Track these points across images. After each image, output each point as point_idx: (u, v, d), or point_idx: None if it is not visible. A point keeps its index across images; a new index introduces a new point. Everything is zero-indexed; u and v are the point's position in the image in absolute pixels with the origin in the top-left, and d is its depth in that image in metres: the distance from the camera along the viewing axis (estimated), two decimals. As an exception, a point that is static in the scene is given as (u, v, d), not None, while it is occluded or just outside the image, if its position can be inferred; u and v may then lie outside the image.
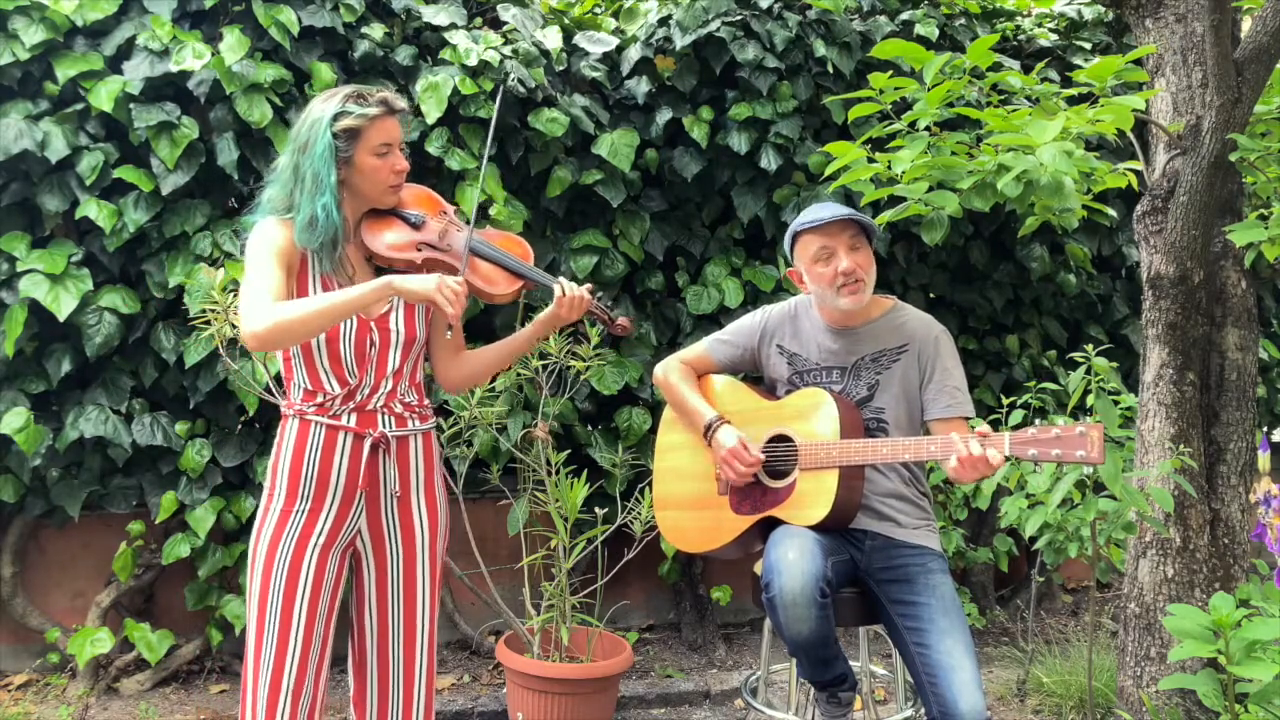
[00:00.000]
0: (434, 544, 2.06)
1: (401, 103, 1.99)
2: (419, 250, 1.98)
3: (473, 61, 3.58)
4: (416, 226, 2.01)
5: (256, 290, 1.83)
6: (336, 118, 1.90)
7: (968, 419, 2.30)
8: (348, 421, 1.94)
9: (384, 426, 1.97)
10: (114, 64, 3.34)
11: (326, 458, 1.93)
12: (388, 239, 1.98)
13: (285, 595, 1.90)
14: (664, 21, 3.98)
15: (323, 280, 1.94)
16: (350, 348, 1.93)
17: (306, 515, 1.93)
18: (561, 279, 2.04)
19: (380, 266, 2.00)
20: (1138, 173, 2.92)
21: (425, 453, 2.05)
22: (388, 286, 1.81)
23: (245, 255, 1.90)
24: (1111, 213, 3.20)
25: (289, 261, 1.91)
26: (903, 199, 2.73)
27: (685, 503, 2.43)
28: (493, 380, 3.35)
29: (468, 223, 2.03)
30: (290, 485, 1.93)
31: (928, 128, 2.68)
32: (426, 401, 2.07)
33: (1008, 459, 2.03)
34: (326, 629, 1.96)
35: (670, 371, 2.50)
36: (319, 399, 1.94)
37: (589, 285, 2.08)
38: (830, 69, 4.00)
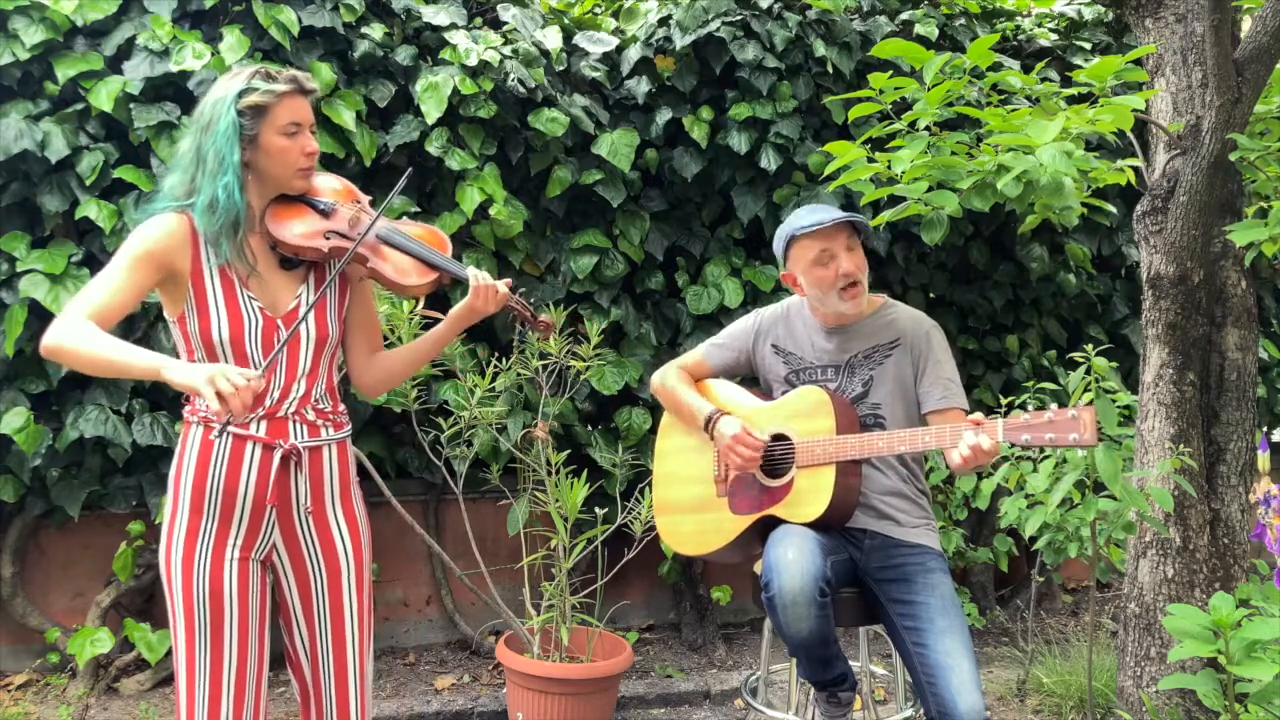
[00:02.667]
0: (359, 558, 1.94)
1: (312, 83, 1.86)
2: (327, 239, 1.85)
3: (473, 61, 3.59)
4: (326, 214, 1.88)
5: (87, 296, 1.71)
6: (242, 94, 1.78)
7: (965, 410, 2.31)
8: (256, 430, 1.80)
9: (295, 436, 1.83)
10: (114, 64, 3.35)
11: (233, 470, 1.79)
12: (293, 227, 1.85)
13: (212, 612, 1.78)
14: (664, 21, 3.98)
15: (221, 270, 1.80)
16: (257, 347, 1.81)
17: (216, 529, 1.80)
18: (475, 270, 1.94)
19: (286, 255, 1.87)
20: (1137, 171, 2.92)
21: (340, 464, 1.92)
22: (156, 371, 1.63)
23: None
24: (1111, 209, 3.20)
25: (164, 263, 1.77)
26: (903, 199, 2.73)
27: (685, 506, 2.43)
28: (492, 380, 3.35)
29: (397, 216, 1.94)
30: (194, 500, 1.80)
31: (928, 128, 2.68)
32: (342, 408, 1.94)
33: (1005, 446, 2.03)
34: (261, 639, 1.85)
35: (667, 378, 2.51)
36: None
37: (508, 280, 1.98)
38: (830, 69, 4.00)
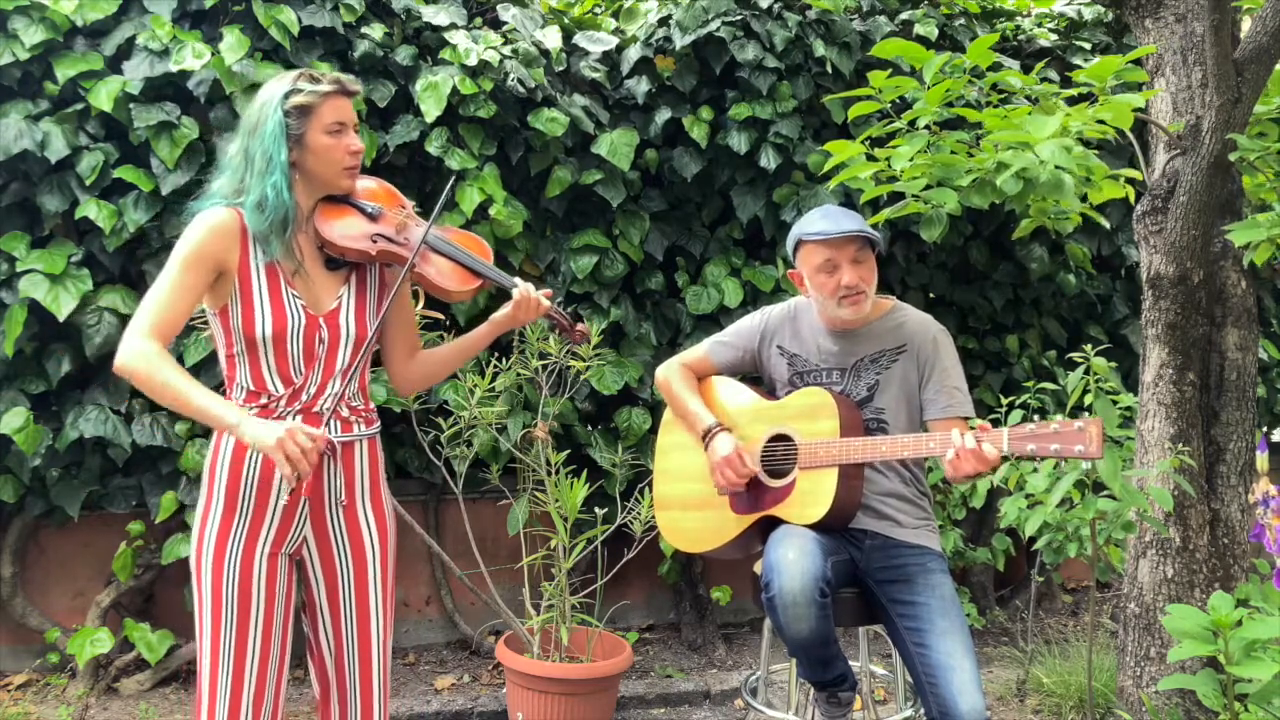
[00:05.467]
0: (385, 552, 1.98)
1: (355, 85, 1.90)
2: (374, 242, 1.90)
3: (472, 61, 3.59)
4: (373, 218, 1.93)
5: (147, 309, 1.76)
6: (288, 95, 1.83)
7: (967, 419, 2.30)
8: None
9: (330, 432, 1.86)
10: (114, 64, 3.35)
11: (268, 465, 1.82)
12: (342, 228, 1.89)
13: (240, 606, 1.82)
14: (664, 21, 3.98)
15: (268, 267, 1.84)
16: (299, 345, 1.84)
17: (249, 524, 1.84)
18: (519, 280, 1.99)
19: (332, 256, 1.91)
20: (1132, 180, 2.92)
21: (371, 459, 1.96)
22: (233, 429, 1.71)
23: (173, 251, 1.81)
24: (1105, 223, 3.19)
25: (218, 261, 1.81)
26: (902, 195, 2.73)
27: (685, 503, 2.43)
28: (492, 380, 3.35)
29: (427, 219, 1.97)
30: (229, 493, 1.83)
31: (927, 126, 2.68)
32: (372, 405, 1.99)
33: (1005, 458, 2.03)
34: (284, 637, 1.89)
35: (671, 375, 2.50)
36: (262, 400, 1.83)
37: (548, 291, 2.02)
38: (830, 69, 4.00)
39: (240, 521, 1.84)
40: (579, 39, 3.96)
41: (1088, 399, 2.74)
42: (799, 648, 2.12)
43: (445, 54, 3.63)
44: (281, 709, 1.92)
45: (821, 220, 2.27)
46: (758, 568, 2.32)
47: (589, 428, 3.86)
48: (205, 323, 3.00)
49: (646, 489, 3.25)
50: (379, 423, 2.01)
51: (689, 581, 4.10)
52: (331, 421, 1.88)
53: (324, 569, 1.93)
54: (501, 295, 2.04)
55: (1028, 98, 2.71)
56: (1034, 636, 3.91)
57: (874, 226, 2.37)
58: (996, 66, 2.79)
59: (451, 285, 1.95)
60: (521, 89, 3.65)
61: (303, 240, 1.90)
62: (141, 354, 1.73)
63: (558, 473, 3.29)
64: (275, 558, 1.87)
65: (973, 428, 2.10)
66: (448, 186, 2.00)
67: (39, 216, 3.32)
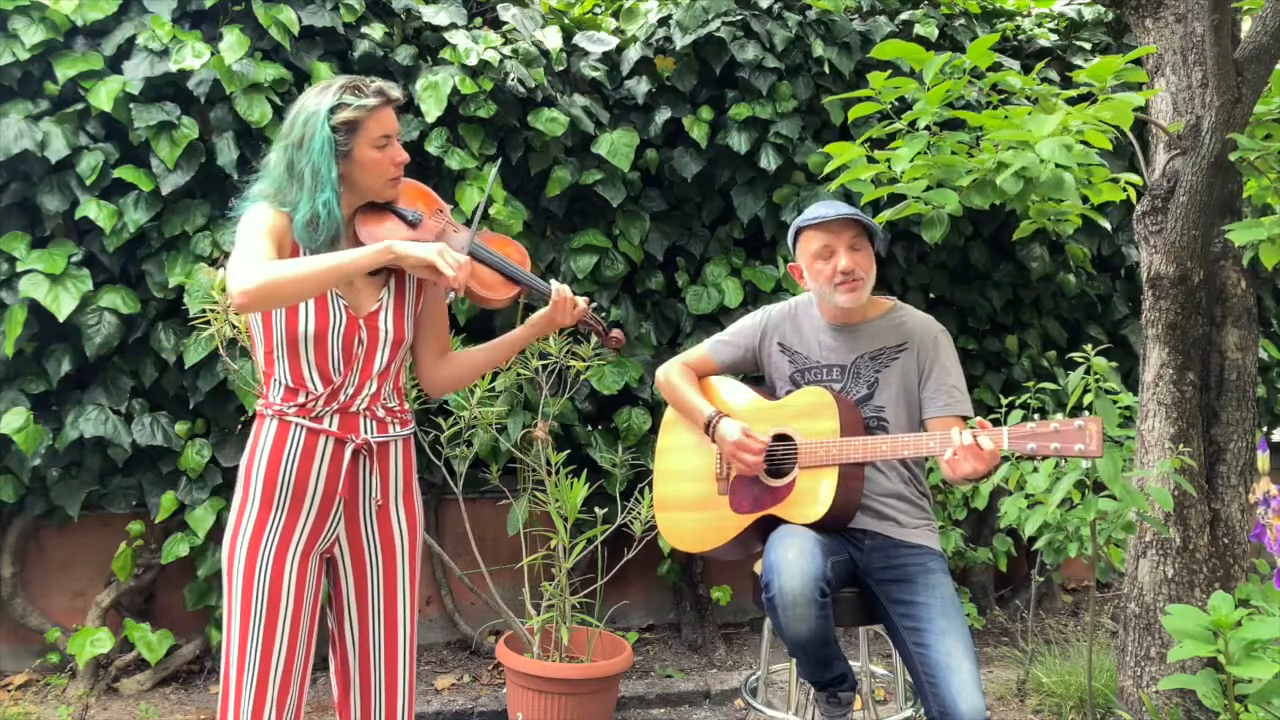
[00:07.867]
0: (413, 552, 2.00)
1: (397, 91, 1.91)
2: None
3: (472, 61, 3.59)
4: (414, 225, 1.95)
5: (249, 255, 1.74)
6: (334, 110, 1.82)
7: (966, 418, 2.30)
8: (330, 425, 1.86)
9: (366, 431, 1.89)
10: (114, 64, 3.35)
11: (305, 463, 1.85)
12: (383, 235, 1.89)
13: (269, 605, 1.83)
14: (664, 21, 3.98)
15: None
16: (338, 344, 1.86)
17: (284, 522, 1.85)
18: (557, 284, 2.01)
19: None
20: (1137, 174, 2.92)
21: (405, 459, 1.99)
22: (388, 250, 1.74)
23: (237, 235, 1.81)
24: (1106, 225, 3.19)
25: (280, 244, 1.82)
26: (903, 197, 2.73)
27: (685, 504, 2.43)
28: (492, 380, 3.35)
29: (466, 224, 1.99)
30: (266, 491, 1.85)
31: (928, 127, 2.68)
32: (406, 406, 2.01)
33: (1006, 458, 2.03)
34: (310, 637, 1.91)
35: (671, 374, 2.51)
36: (300, 398, 1.85)
37: (587, 297, 2.03)
38: (830, 69, 4.00)
39: (275, 521, 1.85)
40: (579, 39, 3.96)
41: (1088, 399, 2.74)
42: (799, 648, 2.12)
43: (445, 54, 3.63)
44: (302, 711, 1.93)
45: (817, 208, 2.31)
46: (758, 568, 2.32)
47: (589, 428, 3.86)
48: (207, 322, 3.02)
49: (646, 489, 3.25)
50: (414, 424, 2.03)
51: (689, 581, 4.10)
52: (367, 421, 1.90)
53: (354, 566, 1.95)
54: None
55: (1028, 98, 2.71)
56: (1034, 636, 3.91)
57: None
58: (996, 67, 2.79)
59: (493, 294, 1.97)
60: (521, 89, 3.65)
61: (346, 246, 1.90)
62: (265, 267, 1.70)
63: (558, 473, 3.29)
64: (307, 558, 1.88)
65: (971, 426, 2.10)
66: (484, 198, 2.06)
67: (39, 216, 3.32)
